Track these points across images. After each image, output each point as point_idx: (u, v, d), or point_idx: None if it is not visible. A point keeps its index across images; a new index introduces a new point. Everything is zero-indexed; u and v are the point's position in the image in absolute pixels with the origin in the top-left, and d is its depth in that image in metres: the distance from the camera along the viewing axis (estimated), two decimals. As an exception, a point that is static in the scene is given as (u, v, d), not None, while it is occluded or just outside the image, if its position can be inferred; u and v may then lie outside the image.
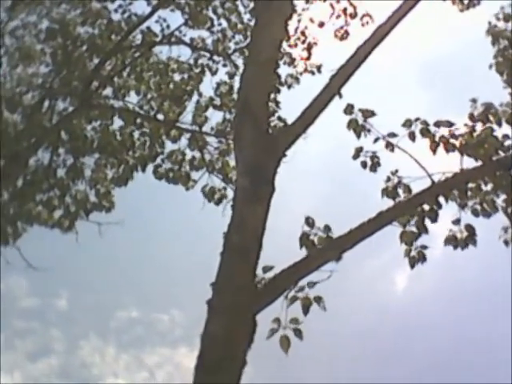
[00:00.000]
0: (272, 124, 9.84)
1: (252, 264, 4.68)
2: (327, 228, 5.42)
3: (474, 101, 7.10)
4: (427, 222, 5.83)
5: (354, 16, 10.81)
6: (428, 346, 14.41)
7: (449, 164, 5.98)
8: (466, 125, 6.36)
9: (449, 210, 6.05)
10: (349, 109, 6.43)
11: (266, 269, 4.84)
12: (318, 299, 4.85)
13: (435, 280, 14.94)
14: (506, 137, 6.13)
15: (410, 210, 5.68)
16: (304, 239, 5.42)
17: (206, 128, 10.44)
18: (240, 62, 10.59)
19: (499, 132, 6.25)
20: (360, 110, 6.40)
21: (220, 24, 10.82)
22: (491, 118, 6.39)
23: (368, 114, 6.36)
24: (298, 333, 4.60)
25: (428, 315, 15.01)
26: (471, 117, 6.44)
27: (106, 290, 15.42)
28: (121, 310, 16.78)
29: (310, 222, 5.50)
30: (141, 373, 16.80)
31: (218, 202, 9.97)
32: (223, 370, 4.23)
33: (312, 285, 4.86)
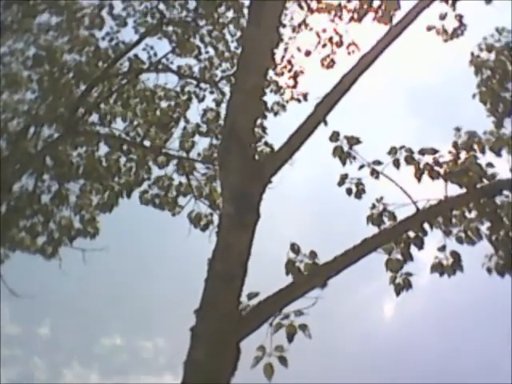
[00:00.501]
0: (259, 149, 9.89)
1: (236, 291, 4.64)
2: (313, 254, 5.40)
3: (457, 129, 7.17)
4: (413, 249, 5.84)
5: (339, 45, 10.92)
6: (415, 372, 14.34)
7: (433, 191, 6.02)
8: (450, 152, 6.42)
9: (434, 238, 6.08)
10: (334, 136, 6.47)
11: (251, 295, 4.80)
12: (303, 327, 4.81)
13: (422, 307, 14.93)
14: (489, 165, 6.19)
15: (395, 236, 5.68)
16: (289, 266, 5.39)
17: (192, 154, 10.46)
18: (227, 89, 10.67)
19: (483, 160, 6.32)
20: (345, 137, 6.44)
21: (207, 52, 10.94)
22: (475, 146, 6.45)
23: (353, 141, 6.40)
24: (283, 361, 4.55)
25: (414, 342, 14.98)
26: (455, 145, 6.50)
27: (89, 317, 15.22)
28: (105, 337, 16.58)
29: (295, 248, 5.48)
30: (124, 401, 16.53)
31: (205, 228, 9.93)
32: (206, 399, 4.16)
33: (299, 313, 4.82)
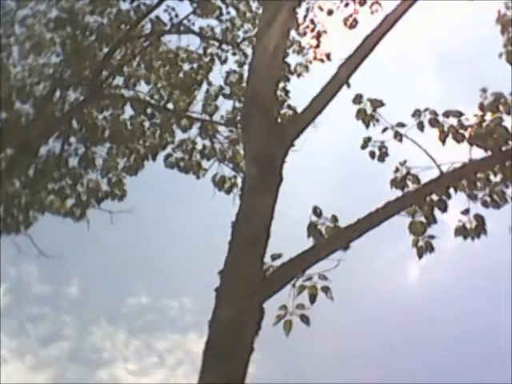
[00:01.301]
0: (282, 112, 9.85)
1: (260, 252, 4.71)
2: (334, 218, 5.46)
3: (483, 90, 7.06)
4: (437, 212, 5.85)
5: (362, 4, 10.73)
6: (439, 336, 14.42)
7: (458, 154, 5.99)
8: (475, 115, 6.36)
9: (461, 201, 6.07)
10: (358, 99, 6.45)
11: (275, 257, 4.87)
12: (326, 289, 4.89)
13: (447, 272, 14.92)
14: (515, 127, 6.12)
15: (418, 199, 5.69)
16: (311, 229, 5.45)
17: (216, 117, 10.47)
18: (249, 50, 10.58)
19: (509, 122, 6.25)
20: (369, 99, 6.41)
21: (229, 13, 10.82)
22: (501, 107, 6.38)
23: (377, 103, 6.38)
24: (305, 319, 4.65)
25: (439, 306, 15.01)
26: (481, 106, 6.44)
27: (116, 276, 15.59)
28: (131, 297, 16.98)
29: (317, 211, 5.53)
30: (151, 358, 17.06)
31: (229, 191, 10.01)
32: (231, 356, 4.28)
33: (323, 277, 4.88)
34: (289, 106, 10.16)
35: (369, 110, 6.30)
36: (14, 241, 9.74)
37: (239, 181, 9.94)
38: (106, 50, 10.35)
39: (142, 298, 17.10)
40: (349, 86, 5.84)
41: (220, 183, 10.01)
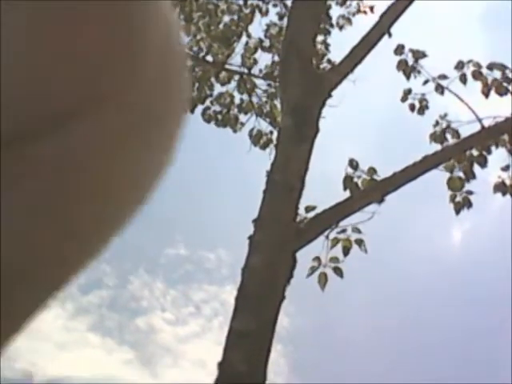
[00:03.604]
0: (322, 67, 9.68)
1: (294, 202, 4.69)
2: (372, 170, 5.39)
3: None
4: (481, 174, 5.75)
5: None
6: (481, 301, 14.25)
7: (501, 109, 5.82)
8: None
9: (502, 159, 5.92)
10: (399, 49, 6.30)
11: (309, 208, 4.87)
12: (360, 242, 4.88)
13: (492, 236, 14.63)
14: None
15: (457, 154, 5.57)
16: (348, 181, 5.41)
17: (254, 70, 10.36)
18: (290, 2, 10.37)
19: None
20: (411, 50, 6.26)
21: (271, -38, 10.57)
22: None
23: (419, 54, 6.22)
24: (339, 271, 4.66)
25: (483, 271, 14.81)
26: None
27: (154, 227, 15.87)
28: (170, 248, 17.30)
29: (353, 164, 5.47)
30: (187, 308, 17.51)
31: (264, 147, 9.96)
32: (262, 303, 4.32)
33: (356, 231, 4.87)
34: (329, 61, 9.96)
35: (410, 62, 6.15)
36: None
37: (275, 136, 9.87)
38: None
39: (180, 249, 17.42)
40: (390, 35, 5.68)
41: (257, 138, 9.96)
